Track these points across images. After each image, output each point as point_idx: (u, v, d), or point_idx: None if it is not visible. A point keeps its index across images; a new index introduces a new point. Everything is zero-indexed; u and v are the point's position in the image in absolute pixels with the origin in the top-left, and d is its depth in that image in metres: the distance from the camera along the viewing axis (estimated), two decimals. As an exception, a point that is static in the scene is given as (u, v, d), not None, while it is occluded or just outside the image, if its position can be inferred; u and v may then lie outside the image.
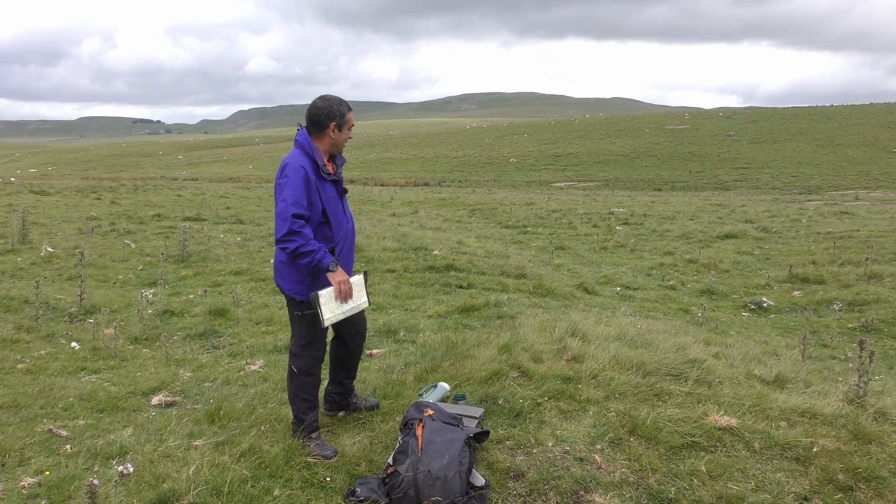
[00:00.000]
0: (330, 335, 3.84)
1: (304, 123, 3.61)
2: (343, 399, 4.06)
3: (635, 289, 10.13)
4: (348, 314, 3.59)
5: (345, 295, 3.48)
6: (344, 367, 3.98)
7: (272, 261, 10.58)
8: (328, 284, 3.47)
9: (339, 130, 3.57)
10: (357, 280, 3.63)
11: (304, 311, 3.55)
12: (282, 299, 8.09)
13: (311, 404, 3.65)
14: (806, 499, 3.15)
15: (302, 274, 3.50)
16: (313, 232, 3.45)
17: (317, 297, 3.42)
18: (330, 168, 3.62)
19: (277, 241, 3.37)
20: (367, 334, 4.20)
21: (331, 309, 3.46)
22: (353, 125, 3.65)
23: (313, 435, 3.62)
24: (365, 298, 3.70)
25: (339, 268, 3.49)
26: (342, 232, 3.64)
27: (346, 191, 3.73)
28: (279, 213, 3.35)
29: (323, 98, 3.57)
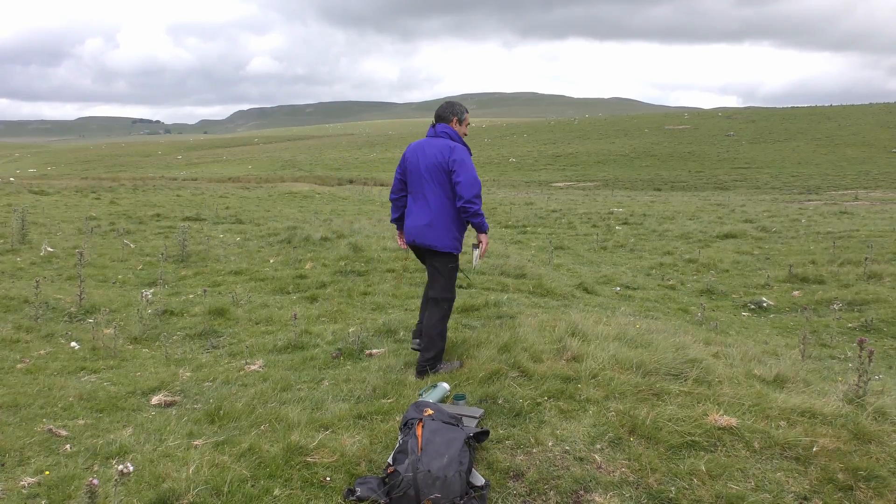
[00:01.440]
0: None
1: (434, 122, 4.60)
2: None
3: (635, 288, 10.13)
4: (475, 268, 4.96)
5: (484, 253, 4.58)
6: None
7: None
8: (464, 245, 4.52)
9: (460, 124, 4.60)
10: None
11: (456, 263, 4.61)
12: (281, 299, 8.09)
13: (445, 336, 4.63)
14: (806, 498, 3.15)
15: (461, 232, 4.52)
16: None
17: (473, 248, 4.65)
18: None
19: (469, 199, 4.30)
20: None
21: (475, 259, 4.64)
22: (469, 124, 4.68)
23: (444, 362, 4.60)
24: (479, 265, 4.97)
25: None
26: None
27: None
28: (471, 179, 4.32)
29: (447, 101, 4.67)
